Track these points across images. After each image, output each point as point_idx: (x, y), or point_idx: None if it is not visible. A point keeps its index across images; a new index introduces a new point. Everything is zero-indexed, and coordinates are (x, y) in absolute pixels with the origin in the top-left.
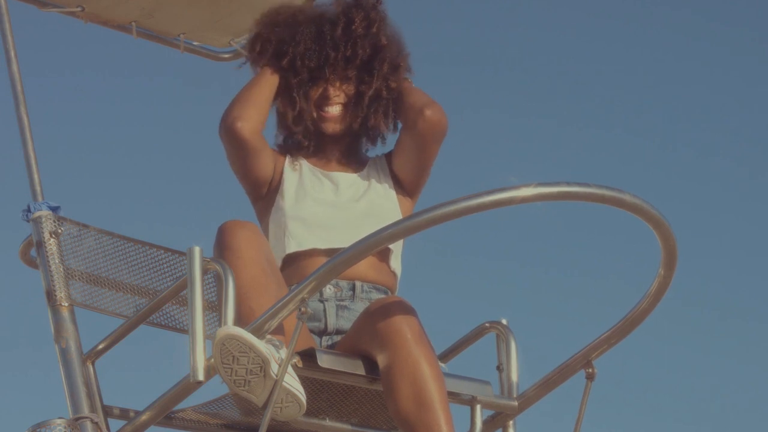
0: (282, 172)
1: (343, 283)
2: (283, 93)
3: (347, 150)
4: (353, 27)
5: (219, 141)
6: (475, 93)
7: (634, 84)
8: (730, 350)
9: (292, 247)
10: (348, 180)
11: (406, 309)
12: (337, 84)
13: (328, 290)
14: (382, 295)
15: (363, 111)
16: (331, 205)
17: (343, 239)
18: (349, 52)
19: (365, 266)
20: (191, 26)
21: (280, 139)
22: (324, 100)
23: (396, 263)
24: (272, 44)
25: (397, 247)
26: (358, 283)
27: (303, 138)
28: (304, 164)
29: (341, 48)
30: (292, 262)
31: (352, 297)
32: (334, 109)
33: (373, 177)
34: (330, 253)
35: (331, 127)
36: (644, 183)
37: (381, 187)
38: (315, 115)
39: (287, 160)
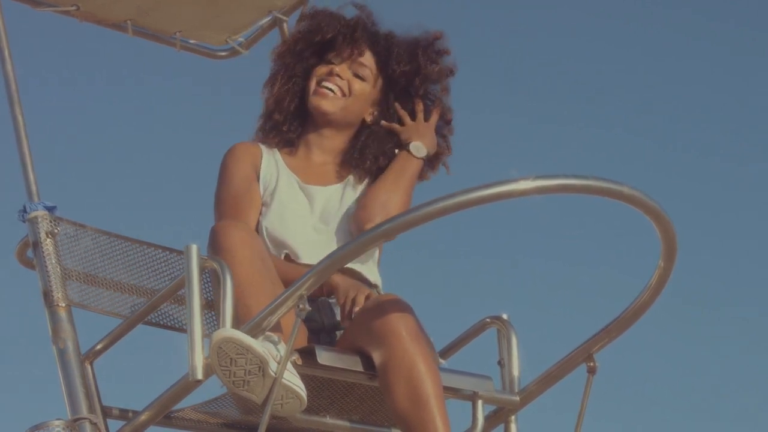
0: (259, 173)
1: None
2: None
3: (332, 155)
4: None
5: (217, 140)
6: (475, 92)
7: (635, 84)
8: (732, 346)
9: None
10: (325, 195)
11: (401, 307)
12: (349, 73)
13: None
14: (372, 286)
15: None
16: (303, 219)
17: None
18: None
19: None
20: (187, 24)
21: (259, 125)
22: (329, 76)
23: (374, 276)
24: (305, 29)
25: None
26: None
27: (283, 122)
28: (281, 167)
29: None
30: None
31: None
32: (336, 88)
33: (349, 195)
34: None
35: (326, 105)
36: (646, 182)
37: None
38: (312, 88)
39: (263, 155)
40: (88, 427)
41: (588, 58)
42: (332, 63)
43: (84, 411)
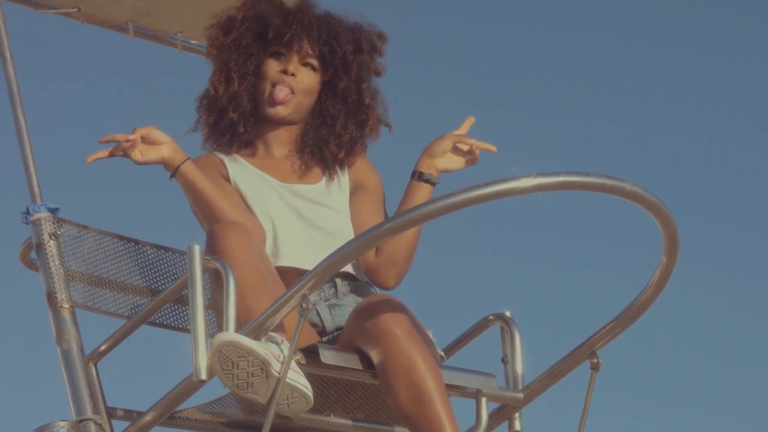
0: (230, 178)
1: (324, 284)
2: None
3: (291, 146)
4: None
5: None
6: (474, 88)
7: (640, 76)
8: (739, 338)
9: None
10: (304, 193)
11: (394, 306)
12: (301, 67)
13: (312, 295)
14: (366, 285)
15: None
16: (295, 221)
17: (311, 258)
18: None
19: None
20: (188, 24)
21: (209, 120)
22: (284, 75)
23: (361, 276)
24: (250, 20)
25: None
26: (337, 281)
27: (239, 122)
28: (250, 168)
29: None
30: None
31: (336, 294)
32: (288, 89)
33: (332, 192)
34: (297, 272)
35: (281, 110)
36: (651, 176)
37: (340, 206)
38: (267, 91)
39: (226, 163)
40: (92, 427)
41: (590, 51)
42: (281, 54)
43: (88, 412)
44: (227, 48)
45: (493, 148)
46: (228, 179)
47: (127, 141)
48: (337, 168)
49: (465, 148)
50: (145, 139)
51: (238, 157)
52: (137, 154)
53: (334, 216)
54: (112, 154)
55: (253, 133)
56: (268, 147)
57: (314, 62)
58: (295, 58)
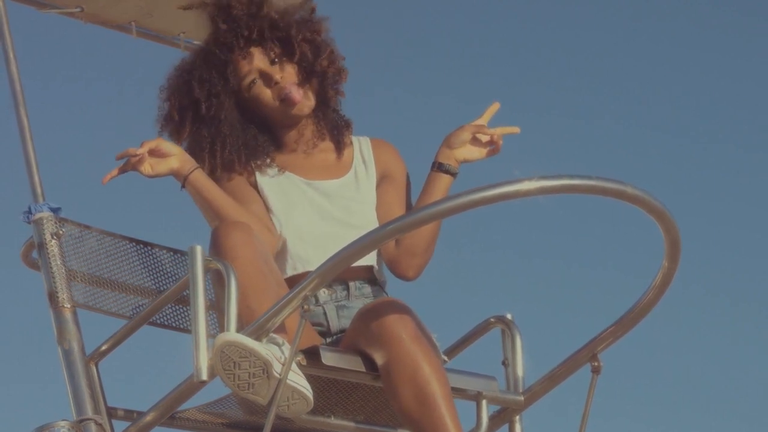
0: (256, 184)
1: (336, 285)
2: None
3: (311, 138)
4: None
5: None
6: (474, 87)
7: (640, 76)
8: (739, 339)
9: (288, 272)
10: (332, 189)
11: (398, 309)
12: (277, 67)
13: (323, 294)
14: (378, 290)
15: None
16: (321, 222)
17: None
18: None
19: (355, 266)
20: (191, 25)
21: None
22: (277, 86)
23: (380, 275)
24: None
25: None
26: (351, 283)
27: (254, 156)
28: (280, 172)
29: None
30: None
31: (348, 296)
32: (294, 87)
33: (360, 184)
34: None
35: (307, 108)
36: (652, 176)
37: (369, 198)
38: (276, 106)
39: (255, 169)
40: (93, 427)
41: (590, 51)
42: (253, 78)
43: (89, 412)
44: (193, 134)
45: (516, 130)
46: (255, 185)
47: (136, 156)
48: (350, 135)
49: (485, 139)
50: (153, 152)
51: (268, 161)
52: (147, 168)
53: (362, 208)
54: (123, 170)
55: (274, 145)
56: (295, 147)
57: (274, 53)
58: (267, 68)
